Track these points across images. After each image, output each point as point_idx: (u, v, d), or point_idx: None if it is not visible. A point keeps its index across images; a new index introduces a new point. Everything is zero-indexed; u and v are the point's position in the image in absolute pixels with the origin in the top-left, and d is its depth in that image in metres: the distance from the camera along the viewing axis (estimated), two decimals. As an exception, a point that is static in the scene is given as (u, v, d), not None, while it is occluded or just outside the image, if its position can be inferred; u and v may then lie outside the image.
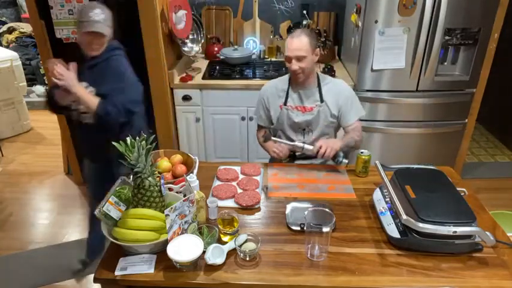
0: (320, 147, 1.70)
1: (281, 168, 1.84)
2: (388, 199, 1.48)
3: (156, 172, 1.41)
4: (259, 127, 2.11)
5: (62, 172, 3.26)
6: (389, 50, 2.47)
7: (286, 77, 1.99)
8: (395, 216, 1.38)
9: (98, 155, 1.93)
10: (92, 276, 1.25)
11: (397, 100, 2.61)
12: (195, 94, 2.70)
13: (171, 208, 1.22)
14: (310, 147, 1.74)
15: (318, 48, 1.85)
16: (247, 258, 1.28)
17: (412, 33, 2.42)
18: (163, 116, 2.72)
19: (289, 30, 3.07)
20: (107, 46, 1.80)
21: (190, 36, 3.02)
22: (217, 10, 3.13)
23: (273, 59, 3.12)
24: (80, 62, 1.72)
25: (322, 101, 1.90)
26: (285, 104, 1.94)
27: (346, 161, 1.82)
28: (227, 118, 2.77)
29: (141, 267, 1.24)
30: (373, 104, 2.63)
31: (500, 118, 3.77)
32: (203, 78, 2.74)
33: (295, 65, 1.79)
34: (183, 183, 1.49)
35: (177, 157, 1.70)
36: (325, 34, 2.99)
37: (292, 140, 1.98)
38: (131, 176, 1.40)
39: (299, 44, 1.76)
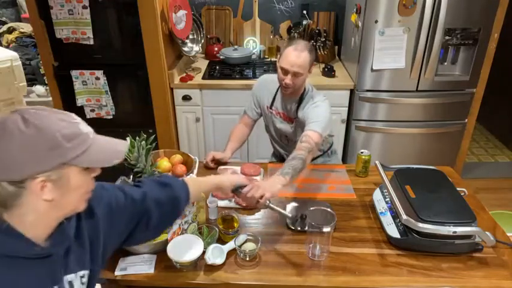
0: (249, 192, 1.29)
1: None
2: (388, 199, 1.48)
3: (156, 172, 1.41)
4: (244, 114, 2.02)
5: (62, 172, 3.26)
6: (389, 50, 2.46)
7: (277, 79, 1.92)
8: (396, 216, 1.38)
9: None
10: (92, 276, 1.24)
11: (397, 100, 2.61)
12: (195, 94, 2.70)
13: (171, 208, 1.21)
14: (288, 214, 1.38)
15: (313, 66, 1.73)
16: (247, 258, 1.28)
17: (412, 33, 2.41)
18: (163, 116, 2.72)
19: (289, 30, 3.07)
20: None
21: (190, 36, 3.02)
22: (217, 10, 3.13)
23: (273, 59, 3.11)
24: None
25: (296, 116, 1.81)
26: (270, 107, 1.91)
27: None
28: (227, 118, 2.77)
29: (141, 267, 1.24)
30: (373, 104, 2.63)
31: (500, 118, 3.77)
32: (203, 78, 2.74)
33: (288, 80, 1.67)
34: (183, 183, 1.48)
35: (177, 157, 1.70)
36: (325, 34, 2.99)
37: (277, 142, 1.99)
38: (131, 176, 1.40)
39: (299, 60, 1.63)
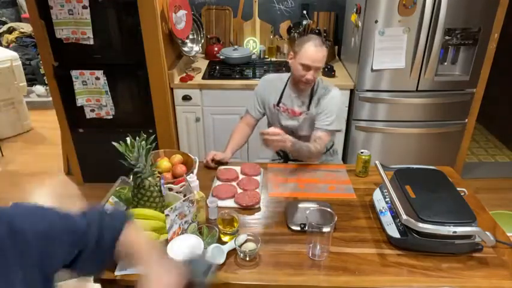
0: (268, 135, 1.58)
1: (281, 168, 1.84)
2: (388, 199, 1.48)
3: (156, 172, 1.41)
4: (246, 114, 2.05)
5: (62, 172, 3.26)
6: (389, 50, 2.46)
7: (285, 76, 1.95)
8: (396, 216, 1.38)
9: None
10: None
11: (397, 100, 2.61)
12: (195, 94, 2.70)
13: (171, 208, 1.22)
14: None
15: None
16: (247, 258, 1.28)
17: (412, 33, 2.42)
18: (163, 116, 2.72)
19: (289, 30, 3.07)
20: None
21: (190, 36, 3.02)
22: (217, 10, 3.13)
23: (273, 59, 3.12)
24: None
25: (308, 108, 1.87)
26: (277, 104, 1.93)
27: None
28: (227, 118, 2.77)
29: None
30: (373, 104, 2.63)
31: (500, 118, 3.77)
32: (203, 78, 2.74)
33: (310, 75, 1.74)
34: (183, 183, 1.49)
35: (177, 157, 1.70)
36: (325, 34, 2.99)
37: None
38: (131, 176, 1.40)
39: (320, 55, 1.72)
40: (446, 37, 2.47)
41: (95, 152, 2.90)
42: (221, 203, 1.54)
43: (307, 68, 1.73)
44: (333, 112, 1.82)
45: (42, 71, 4.42)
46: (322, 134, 1.82)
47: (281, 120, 1.93)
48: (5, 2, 5.08)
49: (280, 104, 1.92)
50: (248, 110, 2.03)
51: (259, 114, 2.01)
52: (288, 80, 1.93)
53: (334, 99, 1.83)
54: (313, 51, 1.71)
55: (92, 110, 2.73)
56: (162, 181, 1.35)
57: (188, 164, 1.68)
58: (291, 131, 1.94)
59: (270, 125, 2.04)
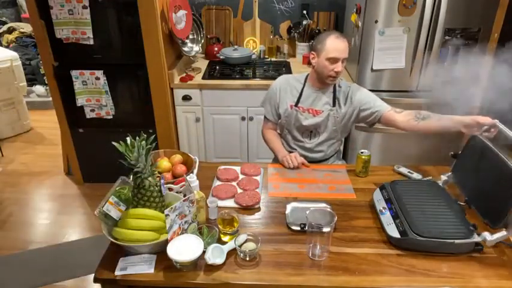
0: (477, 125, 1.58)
1: (281, 168, 1.84)
2: (388, 198, 1.48)
3: (156, 172, 1.41)
4: (266, 121, 2.05)
5: (62, 172, 3.26)
6: (389, 50, 2.46)
7: (301, 77, 1.94)
8: (395, 216, 1.38)
9: None
10: (92, 276, 1.24)
11: (397, 100, 2.60)
12: (195, 94, 2.70)
13: (171, 208, 1.22)
14: None
15: None
16: (247, 258, 1.28)
17: (412, 33, 2.42)
18: (163, 116, 2.72)
19: (289, 30, 3.07)
20: None
21: (190, 36, 3.02)
22: (217, 10, 3.13)
23: (273, 59, 3.12)
24: None
25: (334, 105, 1.87)
26: (296, 105, 1.90)
27: None
28: (227, 118, 2.77)
29: (141, 267, 1.24)
30: (373, 104, 2.62)
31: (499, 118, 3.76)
32: (203, 78, 2.74)
33: (340, 67, 1.75)
34: (183, 183, 1.49)
35: (177, 157, 1.70)
36: (325, 34, 2.99)
37: (299, 140, 1.98)
38: (131, 176, 1.40)
39: (345, 45, 1.75)
40: (446, 37, 2.47)
41: (95, 152, 2.90)
42: (221, 203, 1.54)
43: (335, 60, 1.74)
44: (375, 97, 1.88)
45: (42, 71, 4.42)
46: (391, 110, 1.87)
47: (301, 120, 1.89)
48: (5, 2, 5.08)
49: (299, 105, 1.90)
50: (267, 117, 2.02)
51: (277, 118, 1.99)
52: (305, 81, 1.91)
53: (362, 89, 1.90)
54: (337, 42, 1.74)
55: (92, 110, 2.73)
56: (162, 181, 1.35)
57: (188, 164, 1.68)
58: (310, 131, 1.94)
59: (281, 126, 2.00)
